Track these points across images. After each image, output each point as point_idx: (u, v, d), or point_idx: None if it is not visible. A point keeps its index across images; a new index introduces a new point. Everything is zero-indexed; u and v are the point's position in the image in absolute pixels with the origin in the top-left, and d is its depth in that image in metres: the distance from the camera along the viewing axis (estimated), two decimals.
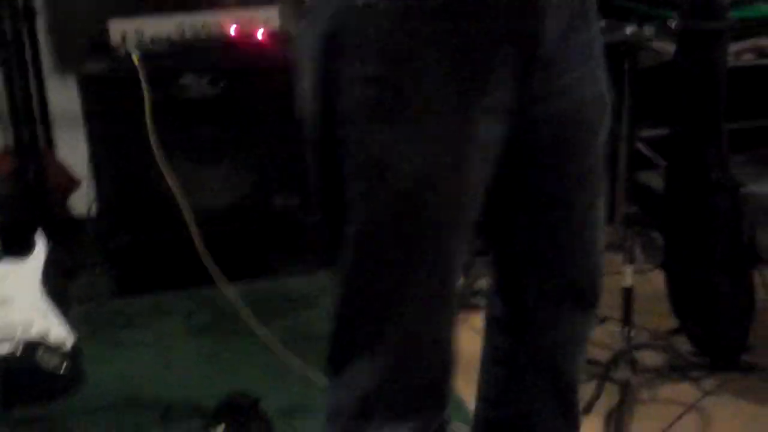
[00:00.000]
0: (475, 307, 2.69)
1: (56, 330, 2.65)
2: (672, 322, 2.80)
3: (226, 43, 3.22)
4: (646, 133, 3.28)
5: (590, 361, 2.48)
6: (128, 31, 3.13)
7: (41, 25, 3.62)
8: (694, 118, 2.68)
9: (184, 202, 3.06)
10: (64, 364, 2.66)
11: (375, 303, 1.48)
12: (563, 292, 1.67)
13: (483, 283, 2.79)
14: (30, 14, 3.52)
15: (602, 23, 2.98)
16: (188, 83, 3.14)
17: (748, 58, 3.19)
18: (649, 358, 2.74)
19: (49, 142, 3.68)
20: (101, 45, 3.22)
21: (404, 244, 1.42)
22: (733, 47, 3.07)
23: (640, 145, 3.25)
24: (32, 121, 3.32)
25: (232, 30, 3.23)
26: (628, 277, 2.57)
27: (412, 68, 1.34)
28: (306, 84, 1.43)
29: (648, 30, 3.05)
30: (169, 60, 3.15)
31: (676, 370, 2.71)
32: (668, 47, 2.99)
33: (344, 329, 1.53)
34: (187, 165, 3.18)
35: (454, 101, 1.36)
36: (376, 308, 1.48)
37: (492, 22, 1.36)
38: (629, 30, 2.91)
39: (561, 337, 1.71)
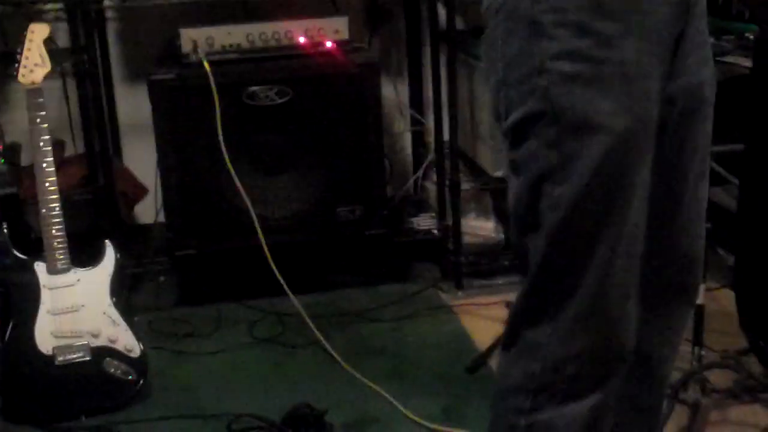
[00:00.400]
0: None
1: (124, 338, 2.67)
2: (742, 342, 2.74)
3: (294, 53, 3.22)
4: (717, 148, 3.22)
5: None
6: (199, 40, 3.14)
7: (112, 32, 3.65)
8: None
9: (253, 211, 3.07)
10: (132, 372, 2.68)
11: (575, 258, 1.53)
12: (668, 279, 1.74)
13: None
14: (102, 21, 3.56)
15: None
16: (257, 92, 3.14)
17: None
18: (720, 378, 2.69)
19: (118, 150, 3.71)
20: (171, 53, 3.24)
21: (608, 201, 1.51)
22: None
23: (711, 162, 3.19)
24: (103, 128, 3.35)
25: (301, 39, 3.23)
26: (699, 295, 2.52)
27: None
28: None
29: (726, 43, 3.02)
30: (239, 69, 3.17)
31: (747, 391, 2.66)
32: (743, 61, 2.94)
33: (537, 290, 1.57)
34: (254, 174, 3.19)
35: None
36: (575, 263, 1.53)
37: None
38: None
39: (660, 327, 1.77)
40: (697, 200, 1.74)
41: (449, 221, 3.45)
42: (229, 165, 3.04)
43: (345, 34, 3.26)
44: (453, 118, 3.32)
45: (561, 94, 1.48)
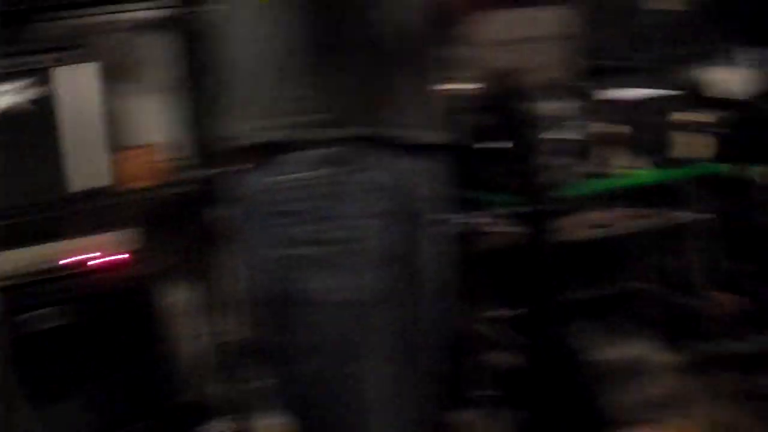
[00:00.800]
0: None
1: None
2: None
3: (73, 272, 3.18)
4: (495, 313, 3.36)
5: None
6: None
7: None
8: (540, 294, 2.79)
9: None
10: None
11: None
12: None
13: None
14: None
15: (450, 211, 3.16)
16: (34, 316, 3.07)
17: (587, 232, 3.31)
18: None
19: None
20: None
21: None
22: (571, 221, 3.21)
23: (489, 326, 3.33)
24: None
25: (81, 257, 3.19)
26: None
27: None
28: None
29: (490, 215, 3.20)
30: (25, 294, 3.10)
31: None
32: (512, 229, 3.11)
33: None
34: (38, 403, 3.08)
35: None
36: None
37: None
38: (473, 216, 3.07)
39: None
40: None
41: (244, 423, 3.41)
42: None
43: (127, 246, 3.25)
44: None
45: (293, 276, 1.59)
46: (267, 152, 1.61)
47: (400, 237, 1.65)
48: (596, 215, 3.32)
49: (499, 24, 3.41)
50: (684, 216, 3.40)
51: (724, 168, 3.32)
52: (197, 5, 1.89)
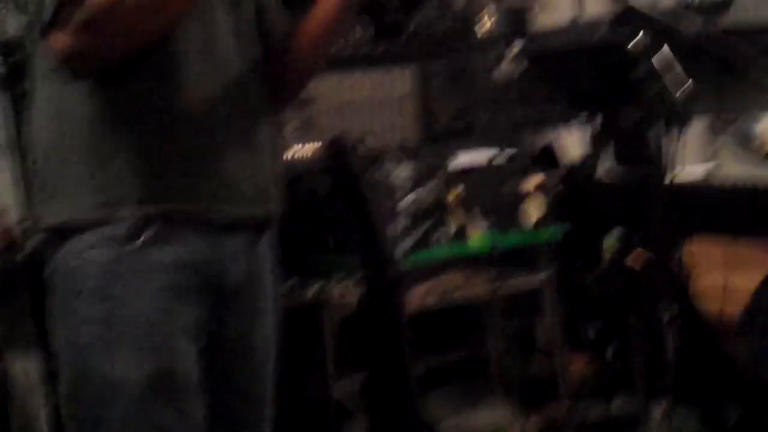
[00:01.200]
0: None
1: None
2: None
3: None
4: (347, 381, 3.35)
5: None
6: None
7: None
8: (383, 362, 2.78)
9: None
10: None
11: None
12: None
13: None
14: None
15: (292, 280, 3.14)
16: None
17: (433, 300, 3.32)
18: None
19: None
20: None
21: None
22: (419, 290, 3.21)
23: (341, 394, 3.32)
24: None
25: None
26: None
27: None
28: None
29: (336, 284, 3.19)
30: None
31: None
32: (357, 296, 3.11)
33: None
34: None
35: None
36: None
37: None
38: (316, 287, 3.05)
39: None
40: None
41: None
42: None
43: None
44: None
45: (86, 357, 1.58)
46: (67, 232, 1.60)
47: (200, 313, 1.65)
48: (442, 281, 3.32)
49: (339, 86, 3.44)
50: (532, 279, 3.43)
51: (563, 229, 3.38)
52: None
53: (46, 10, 1.51)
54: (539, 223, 3.35)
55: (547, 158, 3.56)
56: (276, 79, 1.79)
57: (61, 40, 1.52)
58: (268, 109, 1.78)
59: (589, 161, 3.25)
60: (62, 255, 1.60)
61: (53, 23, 1.51)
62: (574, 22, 3.60)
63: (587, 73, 2.90)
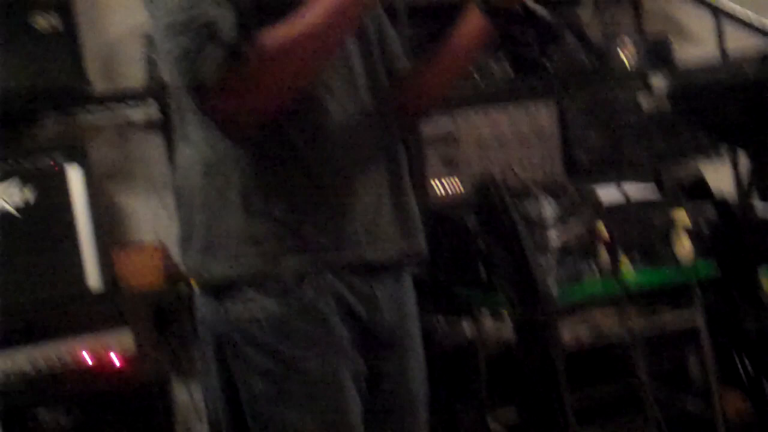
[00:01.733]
0: None
1: None
2: None
3: (79, 372, 3.19)
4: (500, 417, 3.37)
5: None
6: None
7: None
8: (539, 398, 2.80)
9: None
10: None
11: None
12: None
13: None
14: None
15: (441, 318, 3.17)
16: (43, 416, 3.09)
17: (586, 335, 3.30)
18: None
19: None
20: None
21: None
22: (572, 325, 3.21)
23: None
24: None
25: (86, 357, 3.22)
26: None
27: None
28: None
29: (487, 319, 3.22)
30: (24, 395, 3.11)
31: None
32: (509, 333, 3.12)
33: None
34: None
35: None
36: None
37: None
38: (468, 322, 3.08)
39: None
40: None
41: None
42: None
43: (130, 345, 3.27)
44: None
45: (256, 411, 1.63)
46: (226, 287, 1.63)
47: (363, 359, 1.70)
48: (594, 316, 3.31)
49: (481, 122, 3.47)
50: (685, 315, 3.38)
51: (717, 265, 3.30)
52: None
53: (207, 68, 1.49)
54: (691, 259, 3.29)
55: (698, 192, 3.50)
56: (399, 113, 1.80)
57: (224, 99, 1.51)
58: (400, 147, 1.79)
59: (745, 196, 3.21)
60: (225, 309, 1.63)
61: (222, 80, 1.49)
62: (722, 59, 3.57)
63: (734, 108, 2.88)
